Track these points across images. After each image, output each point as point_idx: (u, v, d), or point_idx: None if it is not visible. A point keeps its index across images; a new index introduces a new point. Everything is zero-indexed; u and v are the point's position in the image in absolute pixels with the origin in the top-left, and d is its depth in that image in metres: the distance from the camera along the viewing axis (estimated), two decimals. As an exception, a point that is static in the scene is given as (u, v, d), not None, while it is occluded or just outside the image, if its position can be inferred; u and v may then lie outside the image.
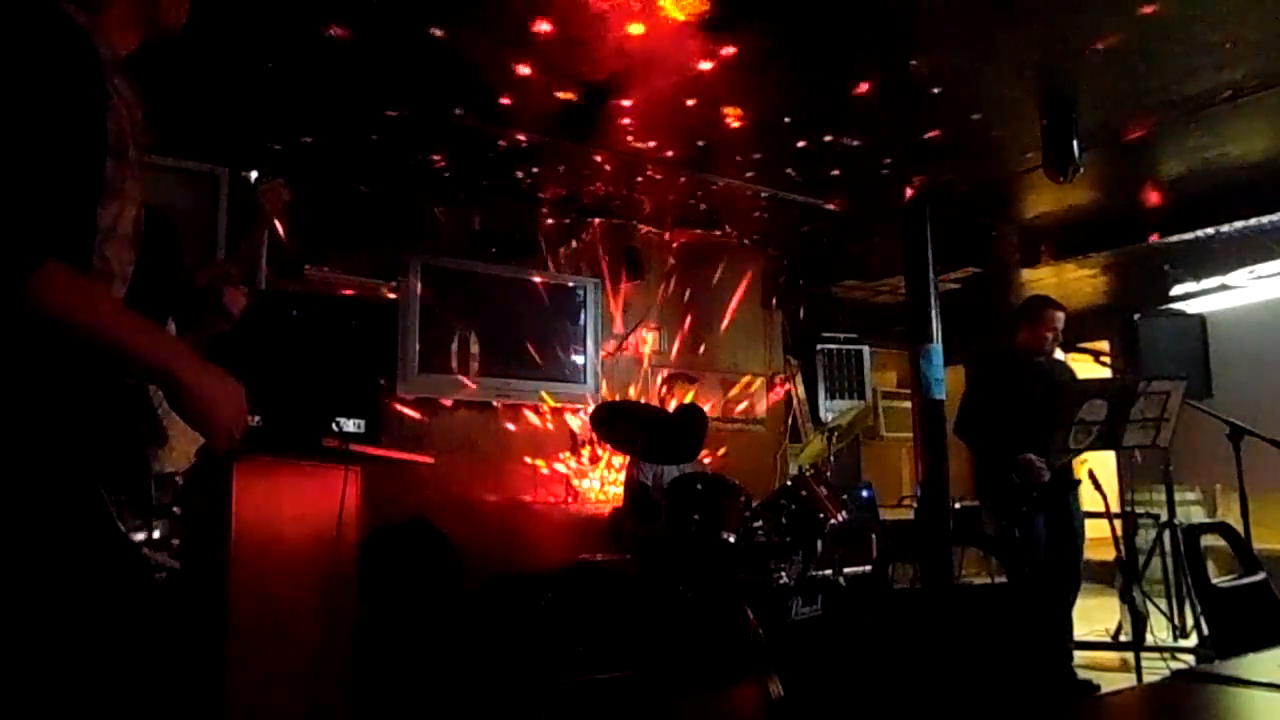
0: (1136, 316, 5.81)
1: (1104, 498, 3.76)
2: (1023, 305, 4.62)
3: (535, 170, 5.26)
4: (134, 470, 1.39)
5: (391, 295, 5.29)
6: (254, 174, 1.92)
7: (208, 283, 1.76)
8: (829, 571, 4.41)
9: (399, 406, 5.25)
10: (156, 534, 1.43)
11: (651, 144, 4.84)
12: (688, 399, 6.20)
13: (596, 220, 6.10)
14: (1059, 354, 4.75)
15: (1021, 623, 3.67)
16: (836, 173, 5.26)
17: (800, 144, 4.83)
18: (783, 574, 3.83)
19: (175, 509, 1.49)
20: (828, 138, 4.75)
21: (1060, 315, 4.45)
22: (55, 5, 1.31)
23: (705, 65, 3.92)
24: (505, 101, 4.28)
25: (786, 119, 4.52)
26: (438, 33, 3.63)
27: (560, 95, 4.21)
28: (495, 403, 5.61)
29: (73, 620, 1.25)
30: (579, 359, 5.95)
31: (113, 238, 1.37)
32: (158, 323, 1.42)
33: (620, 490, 5.84)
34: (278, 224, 1.87)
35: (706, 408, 6.30)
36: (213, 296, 1.73)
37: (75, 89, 1.29)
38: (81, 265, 1.29)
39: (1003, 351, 4.59)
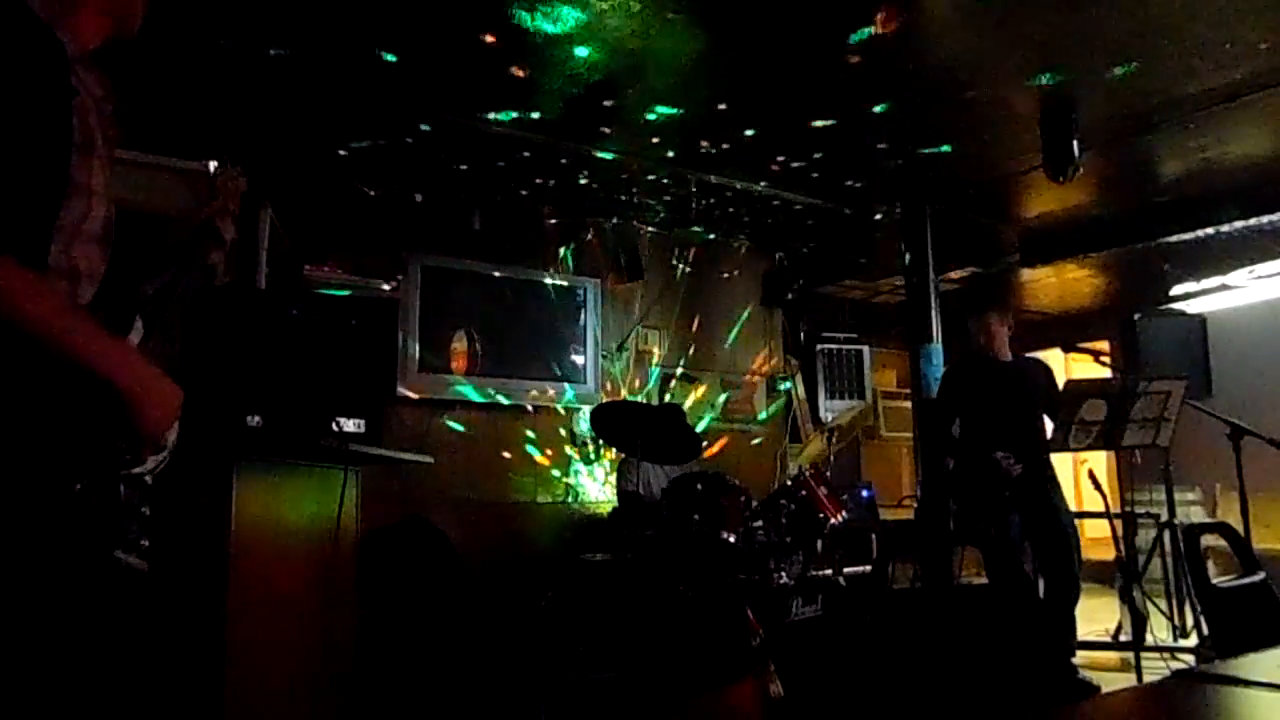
0: (1136, 316, 5.81)
1: (1104, 498, 3.76)
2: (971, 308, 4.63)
3: (535, 170, 5.26)
4: (102, 469, 1.36)
5: (391, 295, 5.29)
6: (213, 164, 1.88)
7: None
8: (829, 571, 4.41)
9: (399, 406, 5.25)
10: (127, 535, 1.40)
11: (652, 143, 4.84)
12: (688, 399, 6.21)
13: (596, 220, 6.10)
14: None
15: (1016, 622, 3.66)
16: (836, 172, 5.26)
17: (800, 144, 4.84)
18: (783, 574, 3.83)
19: (145, 509, 1.45)
20: (828, 138, 4.75)
21: (992, 316, 4.42)
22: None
23: (706, 63, 3.92)
24: (505, 101, 4.28)
25: (787, 119, 4.52)
26: (439, 32, 3.63)
27: (561, 95, 4.21)
28: (495, 402, 5.62)
29: (31, 616, 1.24)
30: (579, 359, 5.95)
31: (79, 237, 1.35)
32: (107, 324, 1.39)
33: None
34: (230, 209, 1.80)
35: (707, 408, 6.37)
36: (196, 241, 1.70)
37: (37, 84, 1.26)
38: (36, 262, 1.27)
39: (965, 355, 4.61)
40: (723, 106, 4.36)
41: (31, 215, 1.26)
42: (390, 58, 3.84)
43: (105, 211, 1.40)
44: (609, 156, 5.00)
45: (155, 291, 1.62)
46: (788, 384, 6.99)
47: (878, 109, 4.37)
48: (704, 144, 4.83)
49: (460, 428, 5.51)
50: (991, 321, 4.42)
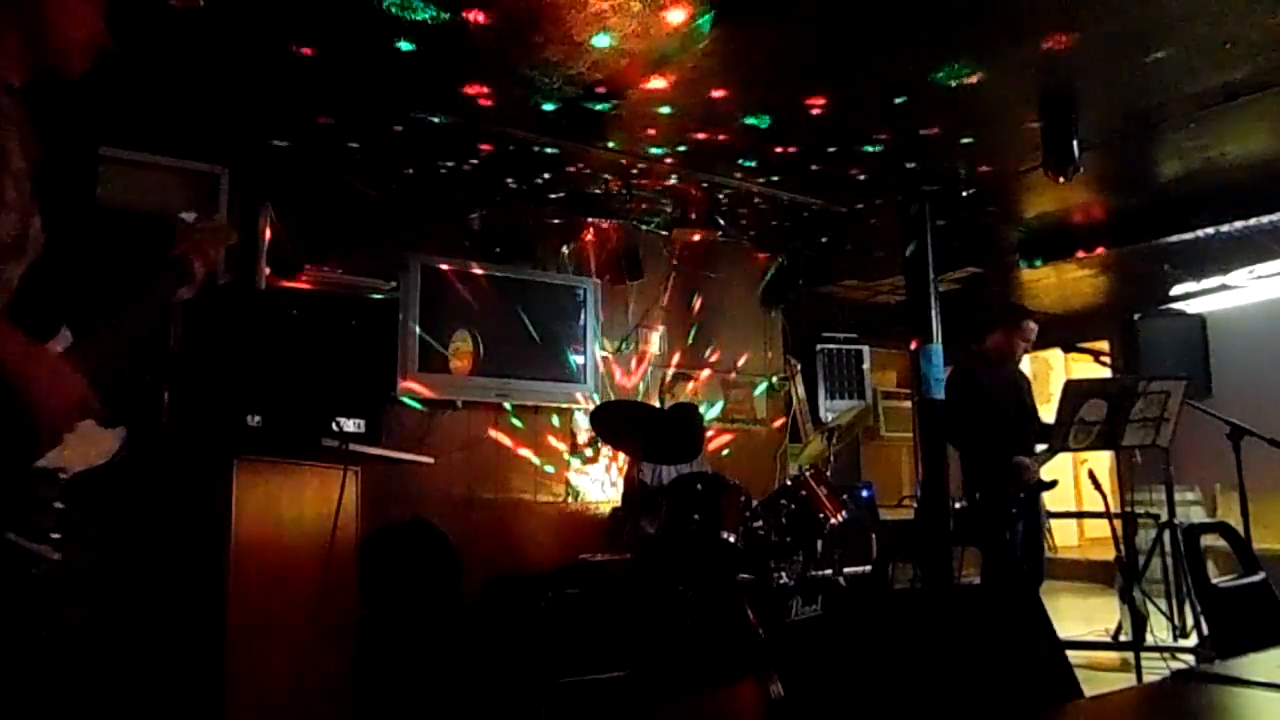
0: (1136, 316, 5.82)
1: (1104, 498, 3.76)
2: (1002, 309, 4.70)
3: (536, 170, 5.26)
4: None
5: (391, 295, 5.29)
6: (191, 215, 2.00)
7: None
8: (829, 571, 4.41)
9: (399, 406, 5.25)
10: (34, 526, 1.46)
11: (652, 143, 4.84)
12: (687, 399, 6.21)
13: (596, 220, 6.10)
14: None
15: (1016, 621, 3.65)
16: (837, 173, 5.26)
17: (801, 144, 4.83)
18: (783, 574, 3.83)
19: (58, 504, 1.51)
20: (828, 138, 4.75)
21: (1035, 327, 4.54)
22: None
23: (706, 64, 3.92)
24: (505, 101, 4.28)
25: (787, 119, 4.52)
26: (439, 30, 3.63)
27: (561, 95, 4.21)
28: (495, 402, 5.62)
29: None
30: (579, 359, 5.95)
31: None
32: (27, 327, 1.48)
33: (621, 490, 5.84)
34: (198, 264, 1.89)
35: (707, 408, 6.36)
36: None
37: None
38: None
39: (976, 354, 4.65)
40: (724, 107, 4.35)
41: None
42: (408, 46, 3.80)
43: (18, 221, 1.49)
44: (609, 156, 5.00)
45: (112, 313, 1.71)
46: (785, 383, 6.99)
47: (878, 108, 4.37)
48: (704, 144, 4.83)
49: (460, 428, 5.51)
50: (1025, 329, 4.51)
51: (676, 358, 6.43)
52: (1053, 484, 4.39)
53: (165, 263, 1.82)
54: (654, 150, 4.93)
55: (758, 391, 6.84)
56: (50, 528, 1.49)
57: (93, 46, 1.65)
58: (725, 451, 6.35)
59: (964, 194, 5.51)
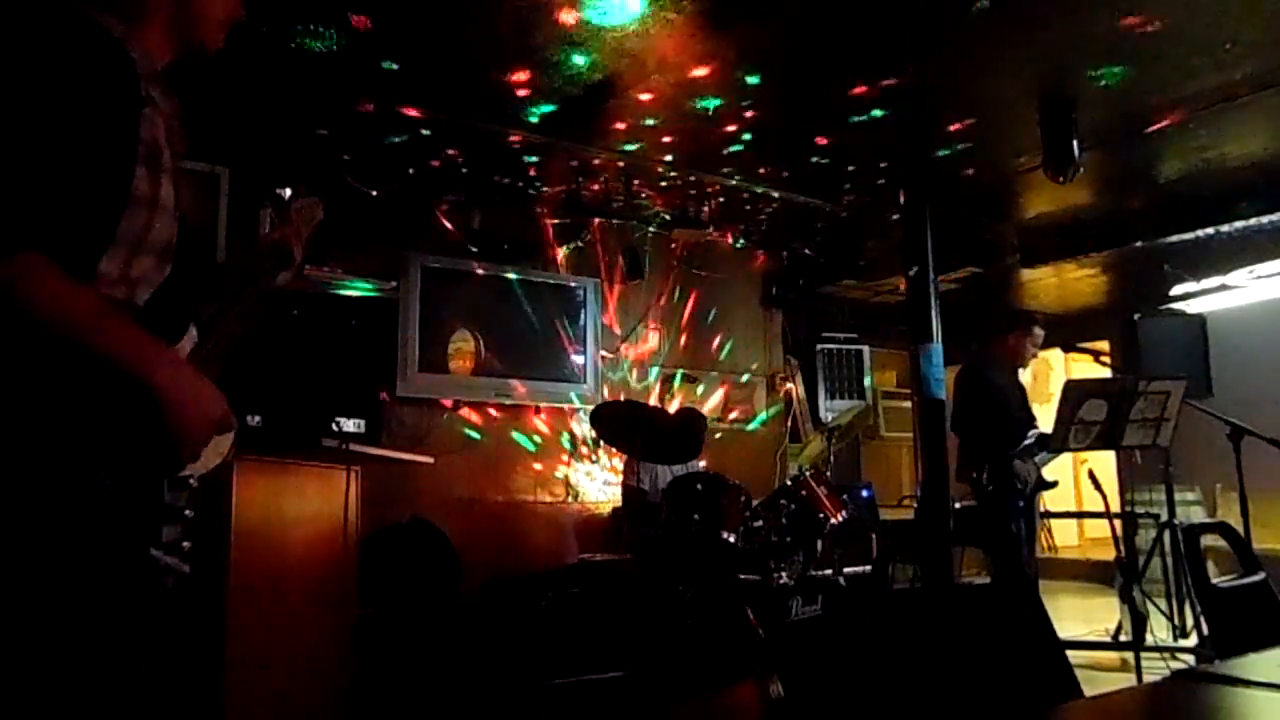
0: (1136, 316, 5.81)
1: (1104, 498, 3.76)
2: (1013, 314, 4.77)
3: (536, 170, 5.26)
4: (144, 470, 1.34)
5: (391, 295, 5.28)
6: (287, 191, 1.83)
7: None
8: (829, 571, 4.41)
9: (399, 406, 5.25)
10: (167, 537, 1.38)
11: (652, 143, 4.84)
12: (688, 399, 6.21)
13: (596, 220, 6.10)
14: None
15: (1017, 621, 3.66)
16: (836, 173, 5.26)
17: (800, 144, 4.84)
18: (783, 574, 3.83)
19: (188, 512, 1.43)
20: (828, 138, 4.75)
21: (1043, 334, 4.69)
22: (89, 14, 1.30)
23: (707, 64, 3.92)
24: (505, 100, 4.28)
25: (787, 119, 4.52)
26: (439, 30, 3.63)
27: (560, 95, 4.21)
28: (495, 402, 5.62)
29: (63, 616, 1.22)
30: (579, 359, 5.95)
31: (142, 249, 1.35)
32: (160, 328, 1.38)
33: (620, 490, 5.84)
34: (303, 233, 1.79)
35: (706, 408, 6.37)
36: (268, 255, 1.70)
37: (103, 95, 1.27)
38: (81, 266, 1.26)
39: (984, 353, 4.75)
40: (724, 107, 4.35)
41: (83, 222, 1.26)
42: (391, 66, 3.84)
43: (170, 225, 1.39)
44: (610, 156, 5.00)
45: (216, 309, 1.61)
46: (785, 384, 7.00)
47: (877, 112, 4.37)
48: (704, 144, 4.83)
49: (460, 428, 5.51)
50: (1034, 334, 4.65)
51: (677, 358, 6.43)
52: (1053, 484, 4.41)
53: (269, 248, 1.71)
54: (654, 150, 4.93)
55: (758, 391, 6.85)
56: (181, 538, 1.41)
57: (230, 20, 1.56)
58: (725, 451, 6.35)
59: (964, 194, 5.52)
